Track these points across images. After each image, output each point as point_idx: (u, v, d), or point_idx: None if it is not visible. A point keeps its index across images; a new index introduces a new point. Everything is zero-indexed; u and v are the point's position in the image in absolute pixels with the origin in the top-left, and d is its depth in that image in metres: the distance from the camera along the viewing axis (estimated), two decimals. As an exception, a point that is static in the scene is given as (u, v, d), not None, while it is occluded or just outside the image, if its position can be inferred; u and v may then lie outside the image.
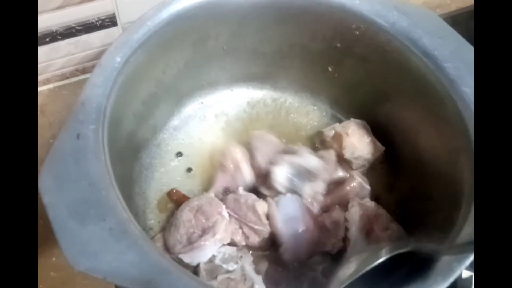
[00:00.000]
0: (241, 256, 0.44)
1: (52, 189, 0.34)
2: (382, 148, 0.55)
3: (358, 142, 0.54)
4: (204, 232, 0.44)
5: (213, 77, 0.59)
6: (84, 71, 0.61)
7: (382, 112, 0.57)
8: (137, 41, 0.45)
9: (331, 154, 0.53)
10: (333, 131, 0.56)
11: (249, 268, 0.43)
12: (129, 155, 0.51)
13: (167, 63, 0.52)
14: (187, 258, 0.44)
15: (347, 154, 0.54)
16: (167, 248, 0.45)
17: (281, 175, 0.49)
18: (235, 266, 0.43)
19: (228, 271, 0.43)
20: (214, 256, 0.44)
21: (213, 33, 0.53)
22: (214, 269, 0.43)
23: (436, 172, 0.49)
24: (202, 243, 0.44)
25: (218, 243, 0.45)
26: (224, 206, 0.47)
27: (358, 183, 0.51)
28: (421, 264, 0.37)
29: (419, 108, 0.51)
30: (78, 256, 0.32)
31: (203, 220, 0.45)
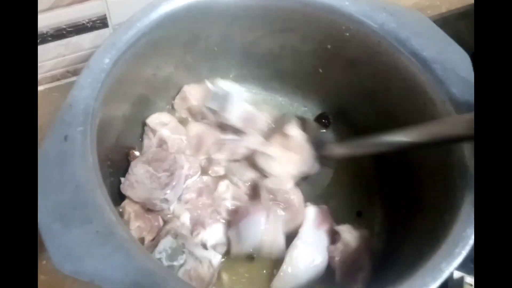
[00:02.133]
0: (183, 243, 0.44)
1: (38, 192, 0.34)
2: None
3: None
4: (171, 172, 0.47)
5: (203, 78, 0.59)
6: (75, 73, 0.61)
7: (370, 112, 0.57)
8: (125, 42, 0.44)
9: None
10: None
11: (197, 250, 0.44)
12: (118, 157, 0.51)
13: (157, 65, 0.52)
14: (172, 196, 0.47)
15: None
16: (144, 204, 0.47)
17: None
18: (184, 257, 0.43)
19: (181, 266, 0.42)
20: (159, 259, 0.43)
21: (203, 34, 0.53)
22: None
23: (426, 173, 0.50)
24: (176, 181, 0.47)
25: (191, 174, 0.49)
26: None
27: None
28: (410, 265, 0.38)
29: (408, 109, 0.51)
30: (64, 259, 0.32)
31: (162, 164, 0.48)
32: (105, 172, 0.43)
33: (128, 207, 0.47)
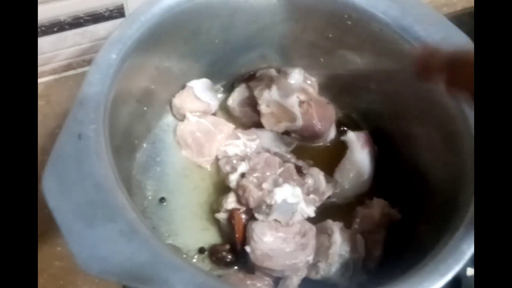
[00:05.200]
0: None
1: (57, 193, 0.34)
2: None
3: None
4: (302, 234, 0.47)
5: (205, 70, 0.58)
6: (90, 62, 0.60)
7: (374, 101, 0.57)
8: (130, 37, 0.44)
9: None
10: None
11: None
12: (125, 154, 0.50)
13: (160, 59, 0.51)
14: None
15: None
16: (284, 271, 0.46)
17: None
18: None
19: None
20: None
21: (204, 27, 0.53)
22: None
23: (431, 158, 0.50)
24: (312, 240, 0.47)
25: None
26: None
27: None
28: (416, 262, 0.38)
29: (411, 94, 0.52)
30: (89, 259, 0.32)
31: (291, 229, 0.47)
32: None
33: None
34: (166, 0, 0.46)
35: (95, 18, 0.56)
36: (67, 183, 0.34)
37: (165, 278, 0.31)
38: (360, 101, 0.59)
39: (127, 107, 0.48)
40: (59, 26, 0.55)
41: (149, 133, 0.55)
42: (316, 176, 0.51)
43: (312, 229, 0.47)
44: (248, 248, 0.45)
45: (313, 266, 0.46)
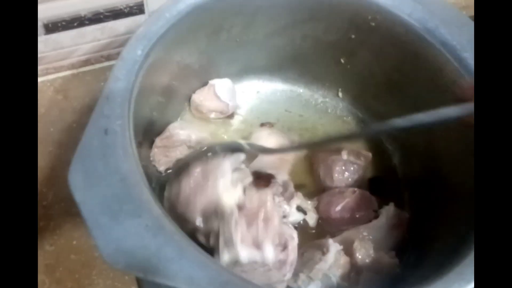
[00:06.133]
0: None
1: (83, 186, 0.34)
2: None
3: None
4: (283, 246, 0.43)
5: (224, 69, 0.58)
6: (108, 58, 0.61)
7: (394, 104, 0.57)
8: (156, 33, 0.44)
9: None
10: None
11: None
12: (144, 151, 0.50)
13: (182, 56, 0.51)
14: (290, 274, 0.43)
15: None
16: None
17: None
18: None
19: None
20: None
21: (227, 25, 0.53)
22: None
23: (452, 161, 0.50)
24: (292, 255, 0.43)
25: None
26: None
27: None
28: (437, 268, 0.37)
29: (434, 100, 0.51)
30: (116, 253, 0.31)
31: None
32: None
33: None
34: (191, -3, 0.46)
35: (115, 14, 0.56)
36: (94, 177, 0.34)
37: (190, 274, 0.31)
38: (380, 105, 0.58)
39: (149, 104, 0.48)
40: (79, 21, 0.55)
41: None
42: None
43: (293, 237, 0.43)
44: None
45: (295, 273, 0.44)
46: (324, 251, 0.45)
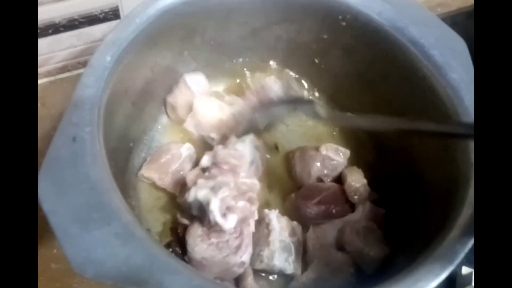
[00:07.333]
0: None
1: (52, 196, 0.33)
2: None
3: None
4: (238, 232, 0.45)
5: (199, 71, 0.58)
6: (85, 64, 0.59)
7: (368, 101, 0.57)
8: (125, 39, 0.43)
9: None
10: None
11: None
12: (121, 157, 0.50)
13: (155, 61, 0.51)
14: (247, 256, 0.45)
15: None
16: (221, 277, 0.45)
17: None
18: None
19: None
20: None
21: (200, 28, 0.53)
22: None
23: (425, 158, 0.51)
24: (247, 239, 0.45)
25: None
26: None
27: None
28: (410, 262, 0.38)
29: (407, 96, 0.52)
30: (84, 263, 0.31)
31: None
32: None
33: None
34: (161, 1, 0.46)
35: (90, 20, 0.56)
36: (62, 186, 0.34)
37: (161, 280, 0.31)
38: (355, 102, 0.59)
39: (122, 109, 0.48)
40: (54, 28, 0.55)
41: (144, 135, 0.55)
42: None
43: (249, 224, 0.46)
44: (186, 258, 0.44)
45: (257, 256, 0.46)
46: (266, 221, 0.48)
